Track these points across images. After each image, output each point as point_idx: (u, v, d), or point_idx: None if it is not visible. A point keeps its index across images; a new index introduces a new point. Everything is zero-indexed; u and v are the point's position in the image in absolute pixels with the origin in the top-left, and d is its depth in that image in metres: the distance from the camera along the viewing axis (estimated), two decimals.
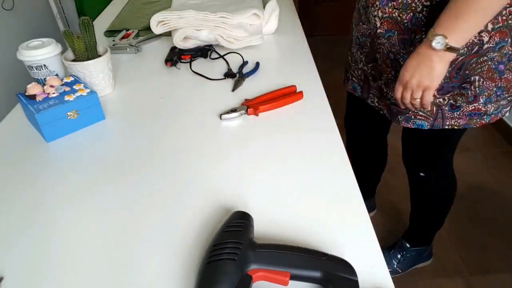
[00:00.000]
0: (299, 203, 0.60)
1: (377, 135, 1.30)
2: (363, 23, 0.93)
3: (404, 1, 0.77)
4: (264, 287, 0.47)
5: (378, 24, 0.84)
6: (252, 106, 0.81)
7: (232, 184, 0.64)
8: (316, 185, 0.64)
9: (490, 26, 0.73)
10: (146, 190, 0.64)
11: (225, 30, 1.04)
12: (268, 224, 0.57)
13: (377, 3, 0.82)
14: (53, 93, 0.78)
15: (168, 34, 1.13)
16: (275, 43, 1.11)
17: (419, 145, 1.06)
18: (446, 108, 0.87)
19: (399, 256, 1.38)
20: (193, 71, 0.98)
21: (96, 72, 0.87)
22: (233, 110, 0.80)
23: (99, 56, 0.89)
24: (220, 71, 0.98)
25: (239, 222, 0.51)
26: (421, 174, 1.11)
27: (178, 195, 0.63)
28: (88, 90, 0.80)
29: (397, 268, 1.38)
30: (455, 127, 0.90)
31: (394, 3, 0.79)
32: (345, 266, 0.47)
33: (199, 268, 0.46)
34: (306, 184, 0.64)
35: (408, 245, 1.37)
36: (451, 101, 0.86)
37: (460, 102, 0.84)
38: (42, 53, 0.83)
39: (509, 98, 0.85)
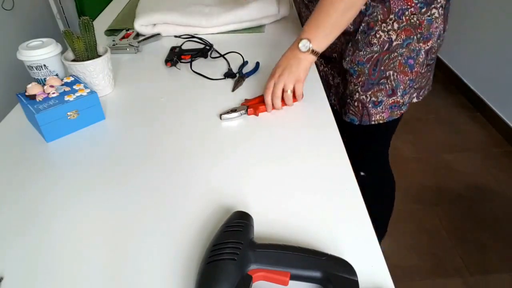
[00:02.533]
0: (299, 203, 0.60)
1: None
2: (360, 50, 0.93)
3: (419, 6, 0.84)
4: (264, 287, 0.47)
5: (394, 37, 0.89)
6: (252, 106, 0.81)
7: (232, 184, 0.64)
8: (316, 185, 0.64)
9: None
10: (145, 190, 0.64)
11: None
12: (268, 224, 0.57)
13: (392, 16, 0.86)
14: (53, 93, 0.78)
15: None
16: (275, 43, 1.11)
17: (356, 143, 1.08)
18: (370, 105, 0.95)
19: None
20: (193, 71, 0.98)
21: (96, 72, 0.87)
22: (233, 110, 0.80)
23: (99, 56, 0.89)
24: (220, 71, 0.98)
25: (239, 222, 0.51)
26: (361, 173, 1.15)
27: (178, 195, 0.63)
28: (88, 90, 0.80)
29: None
30: (381, 121, 0.97)
31: (412, 9, 0.84)
32: (345, 266, 0.47)
33: (199, 268, 0.46)
34: (306, 184, 0.64)
35: None
36: (373, 98, 0.94)
37: (381, 97, 0.93)
38: (42, 53, 0.83)
39: (415, 86, 0.94)
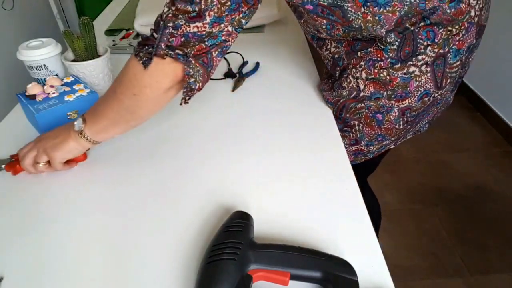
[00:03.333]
0: (299, 203, 0.60)
1: None
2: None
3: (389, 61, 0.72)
4: (264, 287, 0.47)
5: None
6: (13, 163, 0.68)
7: (232, 184, 0.64)
8: (316, 185, 0.64)
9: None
10: (145, 190, 0.64)
11: None
12: (268, 224, 0.57)
13: (362, 63, 0.74)
14: (53, 93, 0.78)
15: None
16: (275, 43, 1.11)
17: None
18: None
19: None
20: None
21: (96, 72, 0.87)
22: None
23: (99, 56, 0.89)
24: (220, 71, 0.98)
25: (239, 222, 0.51)
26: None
27: (178, 195, 0.63)
28: (88, 90, 0.80)
29: None
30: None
31: (381, 63, 0.72)
32: (345, 266, 0.47)
33: (199, 268, 0.46)
34: (306, 184, 0.64)
35: None
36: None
37: (344, 143, 0.80)
38: (42, 53, 0.83)
39: (392, 138, 0.82)
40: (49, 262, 0.53)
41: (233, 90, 0.90)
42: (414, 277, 1.43)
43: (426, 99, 0.74)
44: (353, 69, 0.74)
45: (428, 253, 1.52)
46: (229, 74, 0.95)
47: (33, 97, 0.77)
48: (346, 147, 0.81)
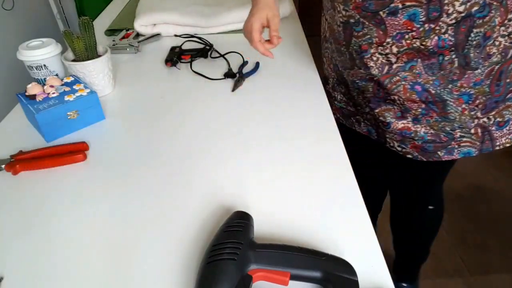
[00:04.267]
0: (299, 203, 0.60)
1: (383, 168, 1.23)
2: (358, 68, 0.81)
3: (426, 28, 0.69)
4: (264, 287, 0.47)
5: (394, 60, 0.75)
6: (15, 162, 0.68)
7: (232, 184, 0.64)
8: (316, 185, 0.64)
9: None
10: (145, 190, 0.64)
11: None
12: (268, 224, 0.57)
13: (388, 40, 0.73)
14: (53, 93, 0.78)
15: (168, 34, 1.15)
16: None
17: (429, 177, 0.99)
18: (493, 128, 0.78)
19: None
20: (193, 71, 0.98)
21: (96, 72, 0.87)
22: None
23: (99, 56, 0.89)
24: (220, 71, 0.98)
25: (239, 222, 0.51)
26: (430, 207, 1.05)
27: (178, 195, 0.63)
28: (88, 90, 0.80)
29: None
30: (507, 145, 0.80)
31: (413, 33, 0.70)
32: (345, 266, 0.47)
33: (199, 268, 0.46)
34: (306, 184, 0.64)
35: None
36: (498, 119, 0.77)
37: (508, 115, 0.76)
38: (42, 53, 0.83)
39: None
40: (49, 262, 0.53)
41: (233, 90, 0.90)
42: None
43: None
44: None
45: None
46: (229, 74, 0.95)
47: (33, 97, 0.77)
48: (511, 120, 0.78)
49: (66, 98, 0.77)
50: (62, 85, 0.81)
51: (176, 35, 1.17)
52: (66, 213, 0.61)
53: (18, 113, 0.86)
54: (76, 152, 0.71)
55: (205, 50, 1.06)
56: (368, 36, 0.74)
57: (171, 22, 1.16)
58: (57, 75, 0.87)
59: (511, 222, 1.64)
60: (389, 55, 0.75)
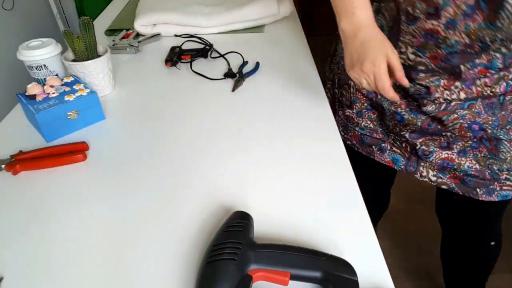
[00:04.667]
0: (299, 203, 0.60)
1: (385, 190, 1.22)
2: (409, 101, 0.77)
3: (501, 75, 0.66)
4: (264, 287, 0.47)
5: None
6: (15, 162, 0.68)
7: (232, 184, 0.64)
8: (316, 185, 0.64)
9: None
10: (145, 190, 0.64)
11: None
12: (268, 224, 0.57)
13: (457, 83, 0.68)
14: (53, 93, 0.78)
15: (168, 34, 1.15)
16: (275, 43, 1.11)
17: (492, 216, 0.92)
18: None
19: None
20: (193, 71, 0.98)
21: (96, 72, 0.87)
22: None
23: (99, 56, 0.89)
24: (220, 71, 0.98)
25: (239, 222, 0.51)
26: (492, 243, 0.99)
27: (178, 195, 0.63)
28: (88, 90, 0.80)
29: None
30: None
31: (486, 79, 0.66)
32: (345, 266, 0.47)
33: (199, 268, 0.46)
34: (306, 184, 0.64)
35: None
36: None
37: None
38: (42, 53, 0.83)
39: None
40: (49, 262, 0.53)
41: (233, 90, 0.90)
42: (414, 277, 1.43)
43: None
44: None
45: (428, 253, 1.52)
46: (229, 74, 0.95)
47: (33, 97, 0.77)
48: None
49: (66, 98, 0.77)
50: (62, 85, 0.81)
51: (176, 35, 1.17)
52: (66, 213, 0.61)
53: (18, 113, 0.86)
54: (76, 152, 0.71)
55: (205, 50, 1.06)
56: (437, 77, 0.69)
57: (171, 22, 1.16)
58: (57, 75, 0.87)
59: (511, 222, 1.64)
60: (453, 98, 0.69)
